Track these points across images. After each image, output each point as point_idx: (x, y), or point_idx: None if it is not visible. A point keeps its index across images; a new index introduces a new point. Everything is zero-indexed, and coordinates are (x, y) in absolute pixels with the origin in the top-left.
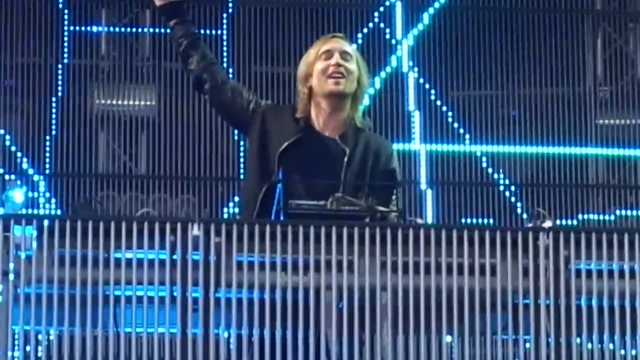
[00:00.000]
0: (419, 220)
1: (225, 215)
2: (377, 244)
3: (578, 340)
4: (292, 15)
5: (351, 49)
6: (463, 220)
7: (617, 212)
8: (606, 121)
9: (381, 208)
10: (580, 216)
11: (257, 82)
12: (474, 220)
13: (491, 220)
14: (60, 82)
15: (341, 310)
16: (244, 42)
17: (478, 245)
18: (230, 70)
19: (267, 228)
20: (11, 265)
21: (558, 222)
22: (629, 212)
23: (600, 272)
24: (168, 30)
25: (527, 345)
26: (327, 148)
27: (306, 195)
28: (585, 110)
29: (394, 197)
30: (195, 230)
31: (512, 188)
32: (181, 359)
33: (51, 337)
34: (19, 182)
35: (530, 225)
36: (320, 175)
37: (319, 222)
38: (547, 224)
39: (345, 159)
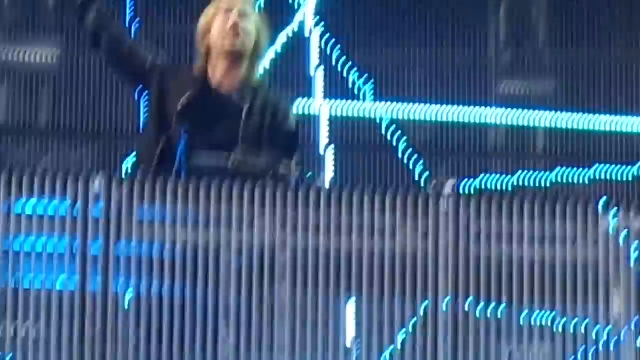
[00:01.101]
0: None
1: (124, 169)
2: (277, 204)
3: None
4: None
5: (249, 7)
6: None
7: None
8: (507, 88)
9: (281, 168)
10: (479, 179)
11: (161, 41)
12: (374, 184)
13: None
14: None
15: (240, 268)
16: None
17: (378, 208)
18: (133, 28)
19: (169, 184)
20: None
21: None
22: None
23: (499, 236)
24: None
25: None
26: (224, 104)
27: (205, 153)
28: (486, 75)
29: (295, 156)
30: (97, 185)
31: (411, 153)
32: (79, 315)
33: None
34: None
35: (431, 188)
36: (217, 132)
37: (220, 180)
38: (448, 184)
39: (243, 115)
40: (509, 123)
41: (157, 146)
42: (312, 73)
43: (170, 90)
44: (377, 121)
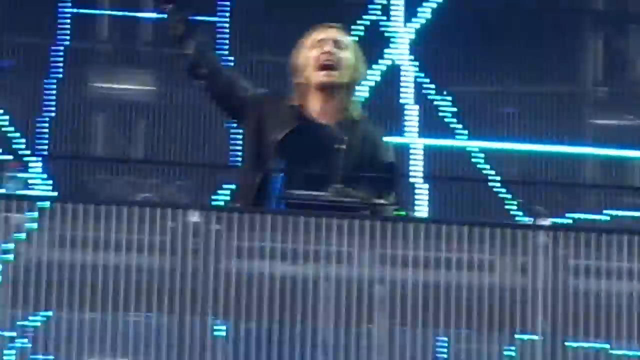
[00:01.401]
0: (418, 215)
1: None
2: (377, 236)
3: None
4: (291, 5)
5: (346, 37)
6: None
7: (612, 212)
8: (601, 121)
9: (380, 201)
10: (574, 215)
11: (256, 71)
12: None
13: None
14: (60, 65)
15: (339, 302)
16: (243, 31)
17: (478, 241)
18: (230, 59)
19: (269, 217)
20: (12, 246)
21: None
22: (624, 213)
23: (598, 272)
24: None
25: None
26: (323, 137)
27: (304, 185)
28: (581, 109)
29: (394, 191)
30: (196, 217)
31: (507, 186)
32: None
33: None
34: (21, 166)
35: (528, 222)
36: (316, 164)
37: (319, 212)
38: (546, 222)
39: (343, 147)
40: (605, 155)
41: (255, 180)
42: (406, 107)
43: (267, 121)
44: (472, 156)
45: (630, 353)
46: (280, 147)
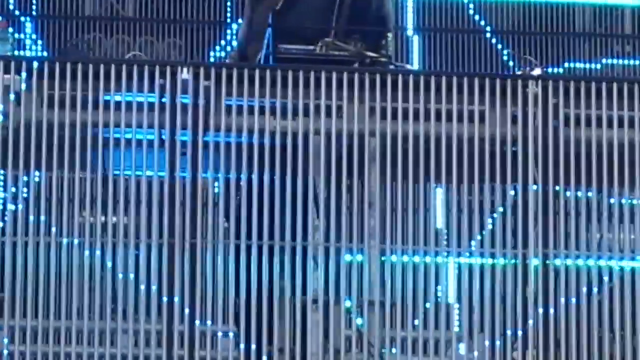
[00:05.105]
0: (408, 67)
1: (212, 60)
2: (366, 89)
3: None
4: None
5: None
6: (449, 69)
7: (603, 60)
8: None
9: (370, 53)
10: (566, 64)
11: None
12: (460, 69)
13: (478, 69)
14: None
15: (329, 155)
16: None
17: (467, 93)
18: None
19: (256, 72)
20: (0, 107)
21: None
22: (614, 61)
23: (588, 121)
24: None
25: (512, 192)
26: None
27: (296, 39)
28: None
29: (383, 42)
30: (185, 73)
31: (498, 36)
32: (169, 201)
33: (37, 179)
34: (9, 23)
35: (519, 72)
36: (311, 18)
37: (308, 66)
38: (536, 71)
39: (336, 3)
40: (595, 2)
41: (247, 34)
42: None
43: None
44: (464, 5)
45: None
46: (270, 5)
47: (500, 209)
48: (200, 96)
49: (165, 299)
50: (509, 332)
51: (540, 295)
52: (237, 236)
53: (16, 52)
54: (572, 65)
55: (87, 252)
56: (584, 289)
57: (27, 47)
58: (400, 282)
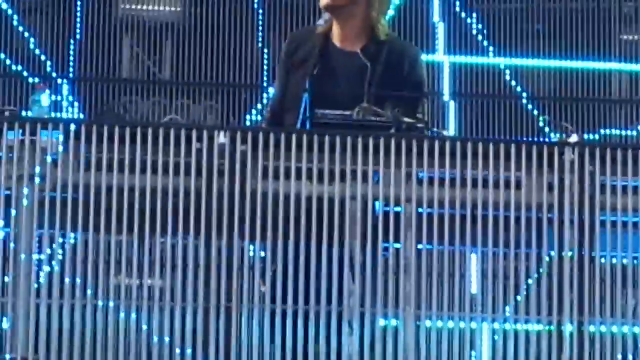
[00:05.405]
0: (445, 133)
1: (248, 123)
2: (402, 154)
3: (601, 257)
4: None
5: None
6: (485, 134)
7: (639, 127)
8: (630, 37)
9: (406, 119)
10: (602, 131)
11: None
12: (496, 134)
13: (514, 135)
14: None
15: (365, 220)
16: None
17: (503, 159)
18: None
19: (294, 136)
20: (37, 169)
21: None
22: None
23: (625, 188)
24: None
25: (547, 259)
26: (348, 63)
27: (330, 106)
28: (609, 25)
29: (419, 108)
30: (222, 138)
31: (534, 102)
32: (205, 264)
33: (73, 241)
34: (46, 86)
35: (555, 139)
36: (344, 90)
37: (345, 131)
38: (573, 138)
39: (368, 72)
40: (632, 70)
41: (283, 102)
42: (435, 20)
43: (297, 52)
44: (500, 70)
45: None
46: (306, 73)
47: (535, 275)
48: (237, 160)
49: None
50: None
51: None
52: (273, 300)
53: (53, 114)
54: (608, 131)
55: (122, 315)
56: (619, 356)
57: (64, 109)
58: (435, 348)
